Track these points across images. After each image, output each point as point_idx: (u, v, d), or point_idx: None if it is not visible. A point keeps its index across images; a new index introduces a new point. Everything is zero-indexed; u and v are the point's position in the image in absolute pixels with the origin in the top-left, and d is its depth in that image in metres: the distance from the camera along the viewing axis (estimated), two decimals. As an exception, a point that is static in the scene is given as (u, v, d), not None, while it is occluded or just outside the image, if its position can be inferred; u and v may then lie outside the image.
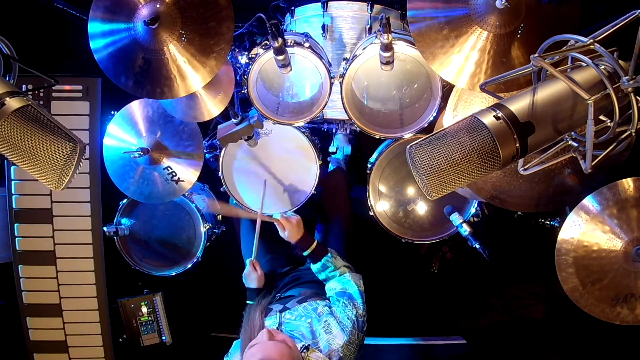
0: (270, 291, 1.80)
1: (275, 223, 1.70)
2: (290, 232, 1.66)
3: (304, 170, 2.01)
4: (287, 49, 1.61)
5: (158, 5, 1.46)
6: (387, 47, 1.52)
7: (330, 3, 1.96)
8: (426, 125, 1.77)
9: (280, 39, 1.50)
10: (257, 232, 1.80)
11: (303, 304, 1.49)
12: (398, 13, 2.06)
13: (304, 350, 1.27)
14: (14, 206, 2.04)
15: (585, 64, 0.99)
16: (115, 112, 1.93)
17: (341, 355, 1.31)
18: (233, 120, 1.71)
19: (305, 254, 1.66)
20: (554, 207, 1.65)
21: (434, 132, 1.00)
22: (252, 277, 1.77)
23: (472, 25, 1.38)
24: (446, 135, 0.97)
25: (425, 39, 1.44)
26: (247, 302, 1.77)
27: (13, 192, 2.03)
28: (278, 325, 1.42)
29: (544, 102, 0.97)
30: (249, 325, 1.40)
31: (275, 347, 1.17)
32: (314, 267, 1.66)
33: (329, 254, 1.64)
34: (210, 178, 2.29)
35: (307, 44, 1.69)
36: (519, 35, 1.37)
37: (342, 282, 1.58)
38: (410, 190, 2.05)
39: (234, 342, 1.46)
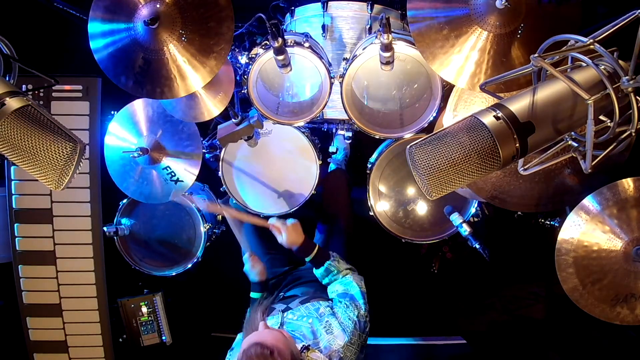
0: (272, 291, 1.80)
1: (271, 228, 1.67)
2: (288, 236, 1.62)
3: (304, 170, 2.01)
4: (287, 49, 1.61)
5: (158, 5, 1.46)
6: (387, 47, 1.52)
7: (330, 3, 1.96)
8: (426, 125, 1.77)
9: (280, 39, 1.50)
10: (238, 227, 1.80)
11: (305, 304, 1.49)
12: (398, 13, 2.06)
13: (304, 351, 1.27)
14: (14, 206, 2.04)
15: (585, 64, 0.99)
16: (115, 112, 1.93)
17: (342, 355, 1.31)
18: (233, 120, 1.71)
19: (307, 259, 1.63)
20: (554, 207, 1.65)
21: (434, 132, 1.00)
22: (253, 271, 1.77)
23: (472, 25, 1.38)
24: (446, 135, 0.97)
25: (425, 39, 1.44)
26: (251, 295, 1.77)
27: (13, 192, 2.03)
28: (280, 325, 1.42)
29: (544, 102, 0.97)
30: (250, 324, 1.40)
31: (271, 334, 1.19)
32: (317, 272, 1.64)
33: (332, 258, 1.62)
34: (210, 178, 2.29)
35: (307, 44, 1.69)
36: (519, 35, 1.37)
37: (344, 284, 1.58)
38: (410, 190, 2.05)
39: (238, 335, 1.46)
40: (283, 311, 1.49)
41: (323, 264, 1.61)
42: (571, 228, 1.45)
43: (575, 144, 1.10)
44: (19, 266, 2.06)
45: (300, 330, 1.37)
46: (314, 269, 1.65)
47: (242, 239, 1.84)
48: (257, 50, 1.83)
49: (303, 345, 1.29)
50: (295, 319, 1.43)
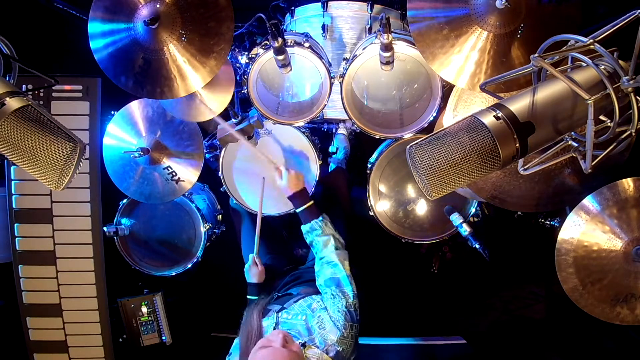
0: (270, 291, 1.80)
1: (275, 170, 1.71)
2: (287, 181, 1.66)
3: (304, 170, 2.01)
4: (287, 49, 1.61)
5: (158, 5, 1.46)
6: (387, 47, 1.52)
7: (330, 3, 1.96)
8: (426, 125, 1.77)
9: (280, 39, 1.50)
10: (258, 227, 1.81)
11: (299, 302, 1.49)
12: (398, 13, 2.06)
13: (302, 348, 1.27)
14: (14, 206, 2.04)
15: (585, 64, 0.99)
16: (115, 112, 1.93)
17: (338, 349, 1.31)
18: (233, 120, 1.71)
19: (298, 210, 1.67)
20: (554, 207, 1.65)
21: (434, 132, 1.00)
22: (253, 271, 1.78)
23: (472, 25, 1.38)
24: (446, 135, 0.97)
25: (425, 39, 1.44)
26: (248, 296, 1.78)
27: (13, 192, 2.03)
28: (275, 325, 1.41)
29: (544, 102, 0.97)
30: (246, 326, 1.40)
31: (289, 356, 1.14)
32: (303, 228, 1.66)
33: (321, 217, 1.64)
34: (210, 178, 2.29)
35: (307, 44, 1.69)
36: (519, 35, 1.37)
37: (331, 265, 1.55)
38: (410, 190, 2.05)
39: (235, 341, 1.46)
40: (278, 312, 1.49)
41: (311, 220, 1.64)
42: (571, 228, 1.45)
43: (575, 144, 1.10)
44: (19, 266, 2.06)
45: (295, 328, 1.37)
46: (302, 225, 1.67)
47: (254, 241, 1.83)
48: (257, 50, 1.83)
49: (300, 343, 1.29)
50: (289, 317, 1.43)
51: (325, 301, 1.43)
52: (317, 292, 1.62)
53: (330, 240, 1.61)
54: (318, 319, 1.37)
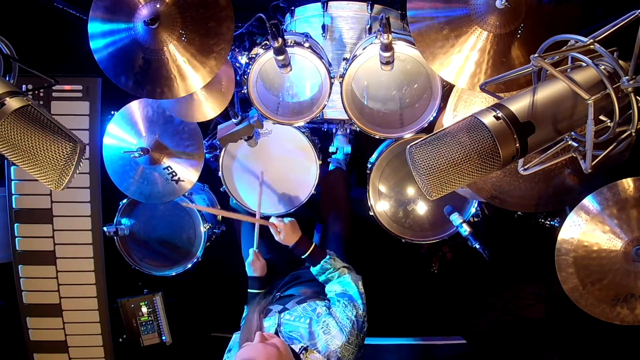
0: (270, 290, 1.80)
1: (270, 226, 1.69)
2: (285, 235, 1.65)
3: (304, 170, 2.01)
4: (287, 49, 1.61)
5: (158, 5, 1.46)
6: (387, 47, 1.52)
7: (330, 3, 1.96)
8: (426, 125, 1.77)
9: (280, 39, 1.50)
10: (258, 213, 1.83)
11: (302, 305, 1.49)
12: (398, 13, 2.06)
13: (303, 352, 1.27)
14: (14, 206, 2.04)
15: (585, 64, 0.99)
16: (115, 112, 1.93)
17: (339, 356, 1.30)
18: (233, 120, 1.71)
19: (303, 257, 1.65)
20: (554, 207, 1.65)
21: (434, 132, 1.00)
22: (254, 266, 1.79)
23: (472, 25, 1.38)
24: (446, 135, 0.97)
25: (425, 39, 1.44)
26: (249, 290, 1.79)
27: (13, 192, 2.03)
28: (277, 326, 1.41)
29: (544, 102, 0.97)
30: (247, 326, 1.40)
31: (264, 350, 1.17)
32: (314, 270, 1.65)
33: (328, 256, 1.63)
34: (210, 178, 2.29)
35: (307, 44, 1.69)
36: (519, 35, 1.37)
37: (342, 284, 1.58)
38: (410, 190, 2.05)
39: (234, 336, 1.47)
40: (280, 312, 1.48)
41: (319, 262, 1.62)
42: (571, 228, 1.45)
43: (575, 144, 1.10)
44: (19, 266, 2.06)
45: (297, 331, 1.37)
46: (310, 267, 1.66)
47: (254, 237, 1.84)
48: (257, 50, 1.83)
49: (302, 346, 1.29)
50: (292, 319, 1.43)
51: (335, 308, 1.43)
52: (318, 293, 1.63)
53: (343, 271, 1.62)
54: (323, 323, 1.37)
